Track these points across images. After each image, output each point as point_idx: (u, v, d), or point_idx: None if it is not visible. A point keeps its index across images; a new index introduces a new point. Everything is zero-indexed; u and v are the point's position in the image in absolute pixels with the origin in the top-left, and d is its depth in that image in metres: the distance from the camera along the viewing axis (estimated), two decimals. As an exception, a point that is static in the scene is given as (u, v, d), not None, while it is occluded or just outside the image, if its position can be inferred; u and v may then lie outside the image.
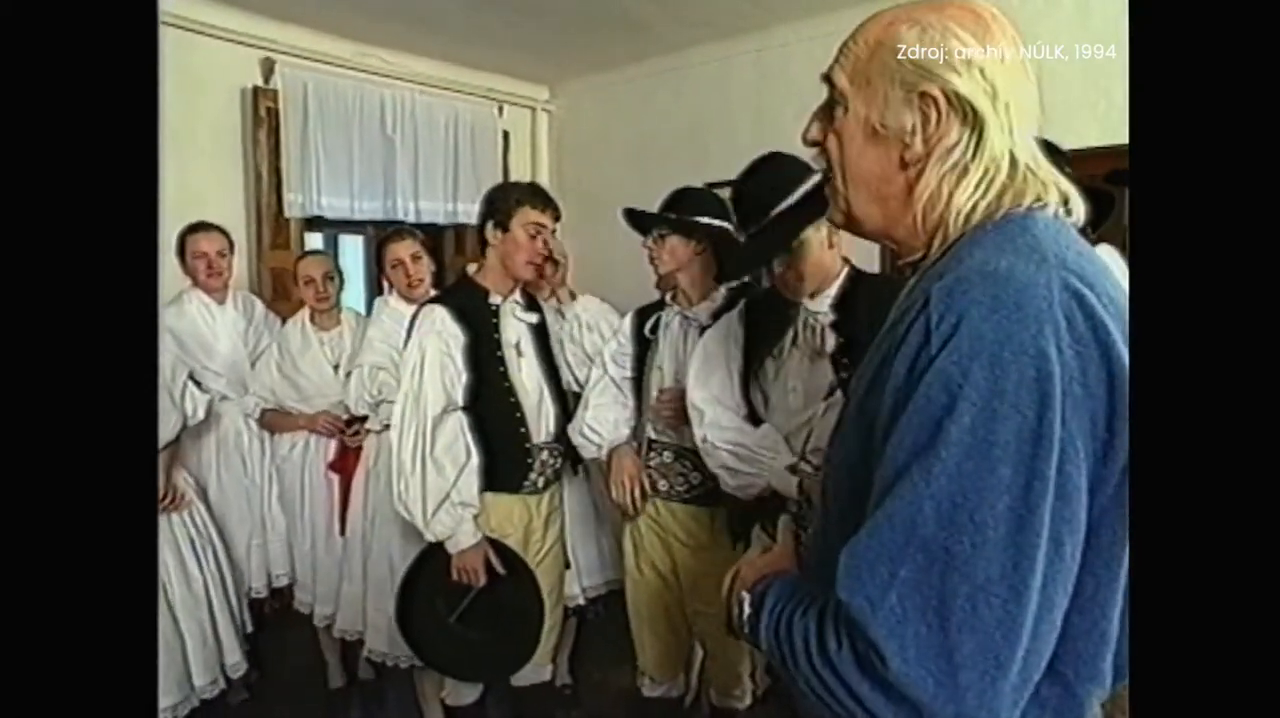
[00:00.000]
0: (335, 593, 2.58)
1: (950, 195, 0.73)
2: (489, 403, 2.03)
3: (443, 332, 1.99)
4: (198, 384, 2.47)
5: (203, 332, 2.61)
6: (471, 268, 2.18)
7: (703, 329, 2.00)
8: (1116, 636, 0.68)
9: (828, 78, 0.80)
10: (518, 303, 2.13)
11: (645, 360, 2.09)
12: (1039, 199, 0.73)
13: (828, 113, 0.81)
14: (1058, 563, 0.62)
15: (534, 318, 2.15)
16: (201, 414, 2.37)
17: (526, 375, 2.10)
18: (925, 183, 0.74)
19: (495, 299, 2.08)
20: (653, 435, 2.06)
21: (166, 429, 2.24)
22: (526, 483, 2.09)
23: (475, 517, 1.99)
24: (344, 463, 2.60)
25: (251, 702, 2.67)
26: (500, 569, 2.01)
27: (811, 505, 0.91)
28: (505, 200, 2.04)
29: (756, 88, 3.57)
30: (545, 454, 2.12)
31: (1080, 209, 0.75)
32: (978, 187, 0.73)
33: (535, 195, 2.06)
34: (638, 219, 2.03)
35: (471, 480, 1.98)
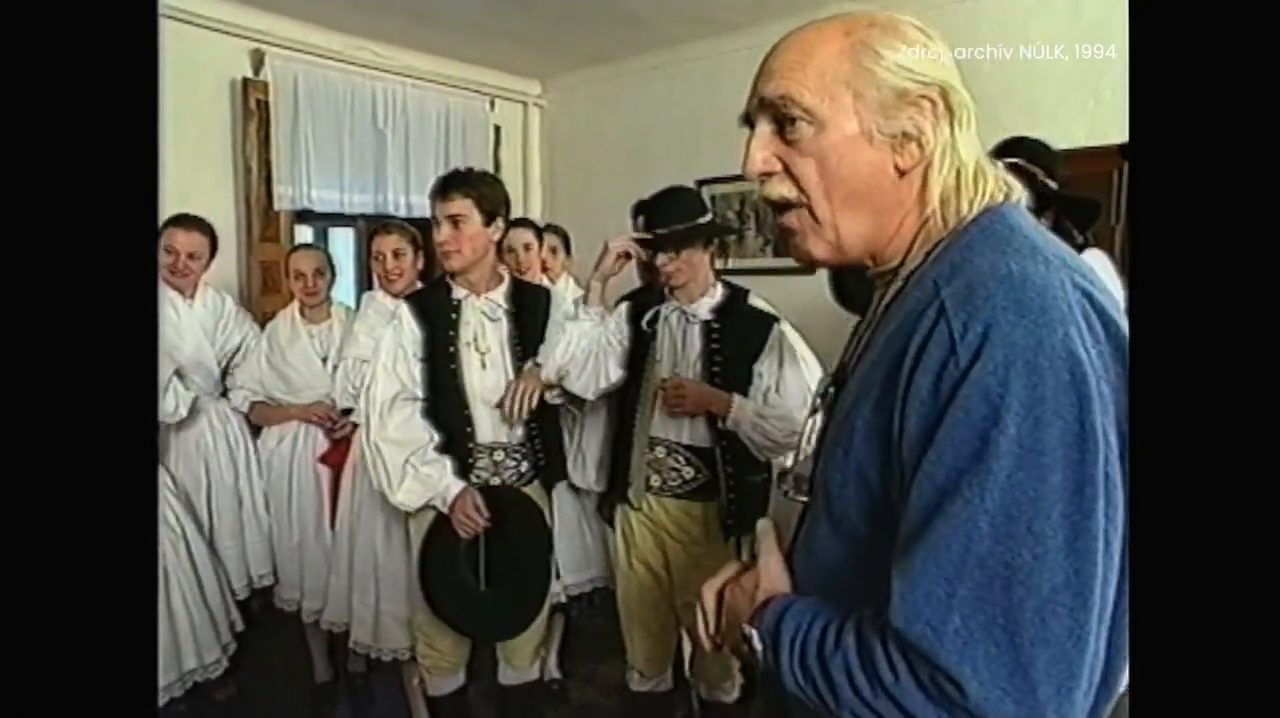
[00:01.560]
0: (323, 587, 2.57)
1: (957, 192, 0.73)
2: (440, 397, 2.05)
3: (399, 326, 2.06)
4: (182, 380, 2.45)
5: (165, 329, 2.52)
6: None
7: (703, 324, 2.01)
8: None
9: (786, 98, 0.75)
10: (489, 298, 2.11)
11: (644, 354, 2.06)
12: (1004, 193, 0.74)
13: (777, 139, 0.77)
14: (1109, 563, 0.61)
15: (503, 315, 2.11)
16: (184, 412, 2.35)
17: (489, 373, 2.07)
18: (932, 185, 0.73)
19: (459, 294, 2.08)
20: (652, 432, 2.05)
21: None
22: (474, 482, 2.07)
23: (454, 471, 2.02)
24: (334, 456, 2.59)
25: (238, 698, 2.66)
26: (485, 515, 2.01)
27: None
28: (430, 198, 2.08)
29: (749, 84, 3.56)
30: (501, 454, 2.09)
31: (1024, 199, 0.76)
32: (973, 182, 0.73)
33: (437, 187, 2.06)
34: (670, 239, 1.96)
35: (428, 451, 2.01)
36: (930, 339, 0.65)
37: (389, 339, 2.04)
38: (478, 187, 2.04)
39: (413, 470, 1.98)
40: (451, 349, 2.05)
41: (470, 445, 2.06)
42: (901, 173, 0.74)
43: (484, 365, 2.07)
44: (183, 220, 2.54)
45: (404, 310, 2.08)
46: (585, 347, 1.97)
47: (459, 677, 2.23)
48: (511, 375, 2.09)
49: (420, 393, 2.04)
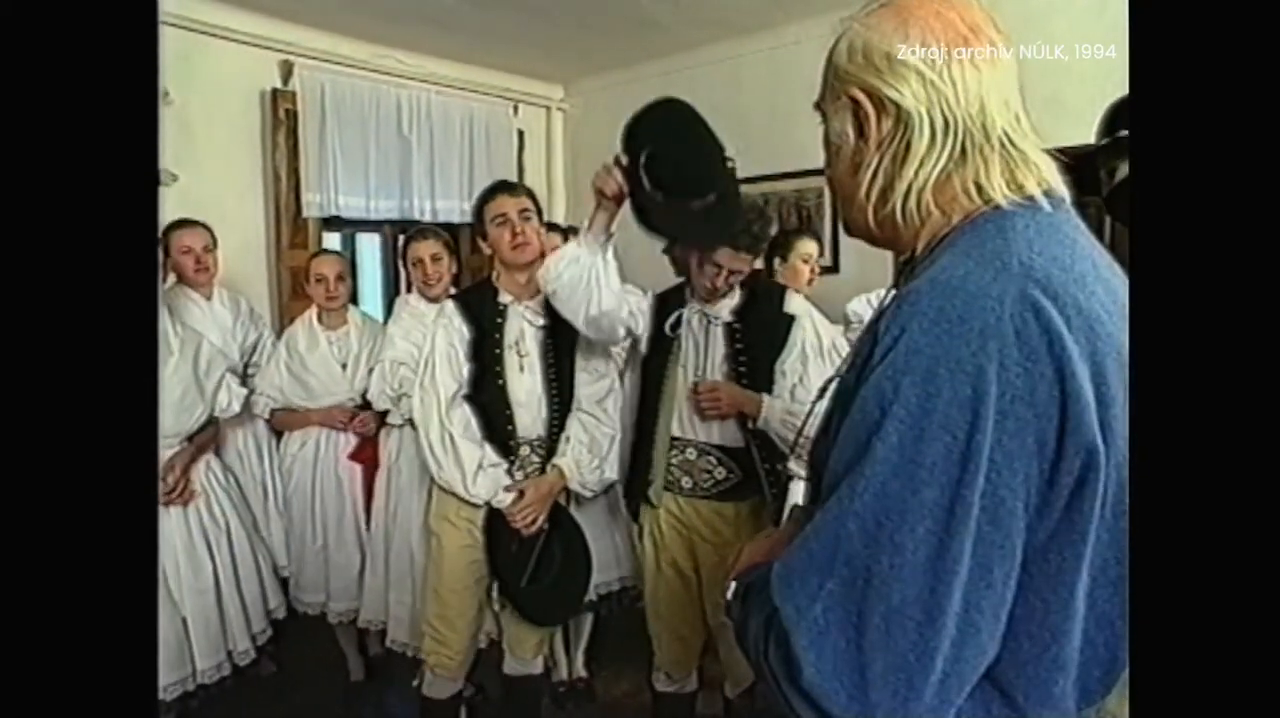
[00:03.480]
0: (352, 588, 2.62)
1: (892, 182, 0.74)
2: (485, 395, 2.09)
3: (449, 326, 2.10)
4: (241, 379, 2.52)
5: (203, 329, 2.59)
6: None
7: (726, 326, 2.02)
8: (1077, 661, 0.67)
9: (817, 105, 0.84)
10: (530, 305, 2.15)
11: (666, 357, 2.07)
12: (1020, 187, 0.71)
13: None
14: (984, 588, 0.61)
15: (542, 321, 2.15)
16: (236, 408, 2.42)
17: (526, 375, 2.13)
18: (866, 176, 0.76)
19: (505, 299, 2.13)
20: (676, 433, 2.06)
21: (190, 420, 2.27)
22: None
23: (507, 470, 2.08)
24: (363, 453, 2.63)
25: (271, 693, 2.71)
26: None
27: None
28: (477, 209, 2.14)
29: (769, 85, 3.58)
30: (526, 450, 2.14)
31: (1062, 191, 0.74)
32: (919, 168, 0.72)
33: (495, 189, 2.14)
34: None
35: (490, 447, 2.07)
36: (866, 337, 0.68)
37: (440, 337, 2.09)
38: (528, 190, 2.16)
39: (484, 468, 2.04)
40: (497, 351, 2.10)
41: (512, 443, 2.11)
42: (859, 168, 0.77)
43: (522, 369, 2.12)
44: (184, 223, 2.64)
45: (451, 309, 2.12)
46: (574, 273, 1.86)
47: (459, 682, 2.25)
48: (542, 380, 2.13)
49: (468, 389, 2.09)
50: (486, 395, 2.09)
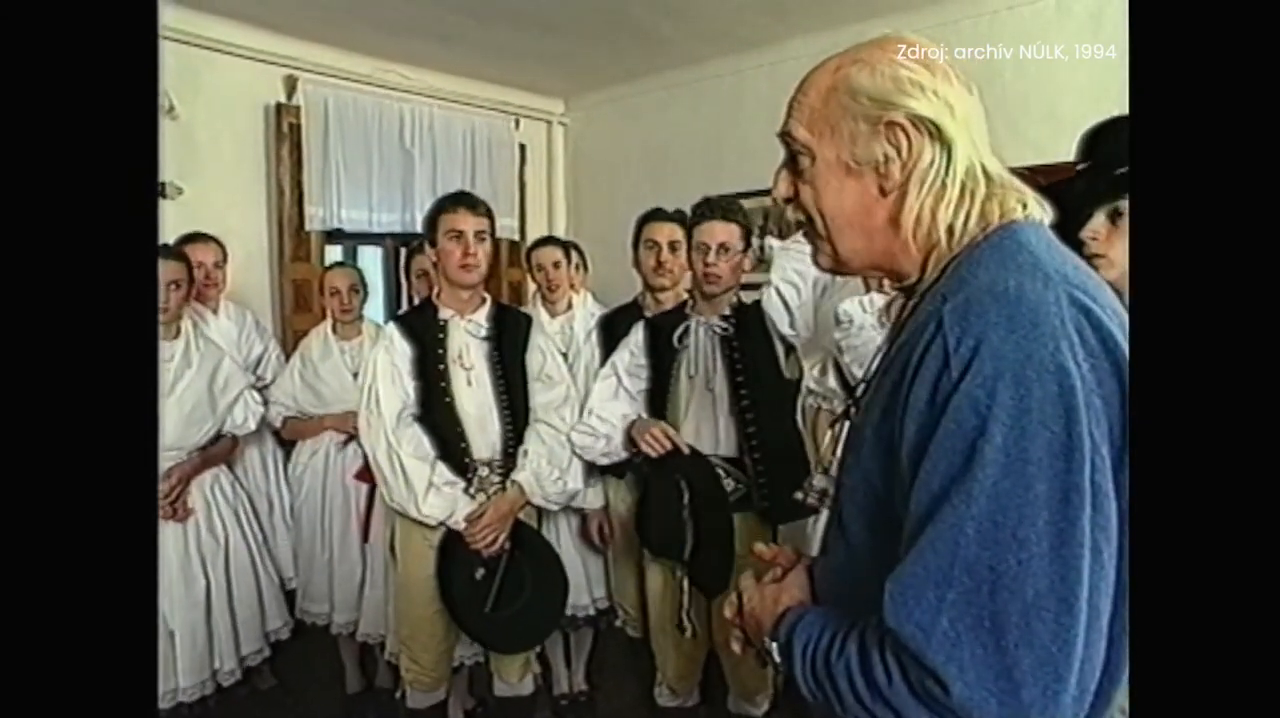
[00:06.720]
0: (354, 600, 2.61)
1: (934, 213, 0.76)
2: (435, 414, 2.07)
3: (390, 346, 2.08)
4: (261, 394, 2.53)
5: (218, 342, 2.61)
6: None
7: (724, 335, 2.02)
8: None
9: (786, 134, 0.82)
10: (473, 319, 2.14)
11: (670, 371, 2.08)
12: (1021, 208, 0.76)
13: (793, 167, 0.84)
14: (1099, 570, 0.62)
15: (485, 333, 2.14)
16: (252, 425, 2.42)
17: (475, 389, 2.11)
18: (909, 206, 0.76)
19: (445, 314, 2.11)
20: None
21: (197, 434, 2.26)
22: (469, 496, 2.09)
23: (465, 489, 2.05)
24: (368, 473, 2.63)
25: (267, 705, 2.70)
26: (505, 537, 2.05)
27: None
28: (430, 217, 2.10)
29: (770, 100, 3.57)
30: (485, 470, 2.11)
31: (1049, 214, 0.78)
32: (960, 200, 0.75)
33: (453, 201, 2.09)
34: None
35: (442, 467, 2.04)
36: (928, 352, 0.68)
37: (382, 358, 2.06)
38: (488, 208, 2.11)
39: (435, 488, 2.01)
40: (441, 367, 2.08)
41: (467, 461, 2.08)
42: (886, 194, 0.78)
43: (469, 383, 2.10)
44: (196, 237, 2.68)
45: (392, 330, 2.11)
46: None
47: (439, 694, 2.23)
48: (493, 394, 2.11)
49: (416, 409, 2.07)
50: (436, 414, 2.07)
